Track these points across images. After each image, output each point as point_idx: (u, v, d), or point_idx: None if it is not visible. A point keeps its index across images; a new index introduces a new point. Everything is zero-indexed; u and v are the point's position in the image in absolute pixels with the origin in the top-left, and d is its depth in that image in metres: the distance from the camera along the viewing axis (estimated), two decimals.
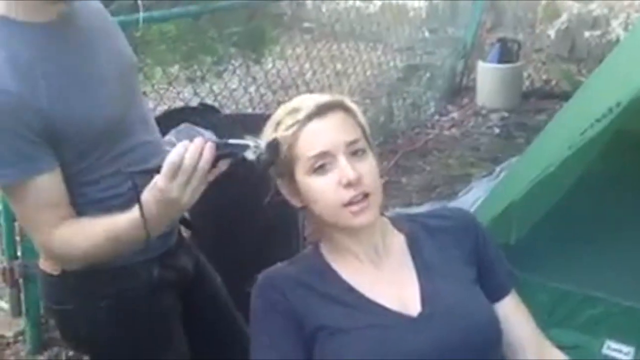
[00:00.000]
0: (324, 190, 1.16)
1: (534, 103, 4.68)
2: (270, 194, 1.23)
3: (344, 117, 1.19)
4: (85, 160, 1.31)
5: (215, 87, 3.31)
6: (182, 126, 2.15)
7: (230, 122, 2.23)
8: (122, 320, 1.42)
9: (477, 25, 4.88)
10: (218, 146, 1.16)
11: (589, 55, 4.81)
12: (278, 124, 1.21)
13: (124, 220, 1.24)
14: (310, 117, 1.17)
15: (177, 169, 1.15)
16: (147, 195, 1.19)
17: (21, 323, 2.46)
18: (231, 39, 3.25)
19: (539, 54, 5.05)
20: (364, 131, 1.21)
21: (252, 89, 3.51)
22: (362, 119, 1.23)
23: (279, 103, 1.32)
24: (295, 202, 1.22)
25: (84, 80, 1.30)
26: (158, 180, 1.16)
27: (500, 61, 4.57)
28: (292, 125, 1.17)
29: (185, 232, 1.63)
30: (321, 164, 1.16)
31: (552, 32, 5.03)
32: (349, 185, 1.14)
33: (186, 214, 1.59)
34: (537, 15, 5.10)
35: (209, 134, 2.21)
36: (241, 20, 3.33)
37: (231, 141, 1.18)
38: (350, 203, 1.15)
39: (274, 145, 1.17)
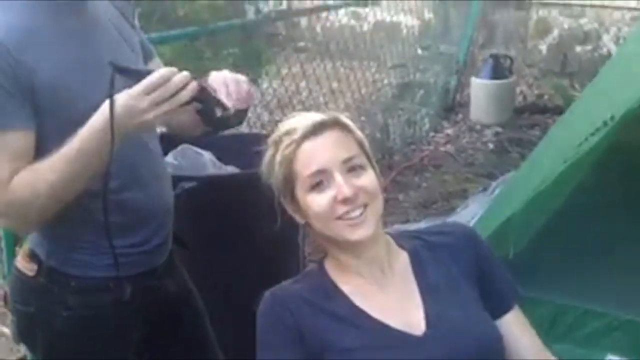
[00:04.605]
0: (321, 207, 1.18)
1: (527, 118, 4.72)
2: (279, 211, 1.25)
3: (339, 135, 1.21)
4: (66, 138, 1.29)
5: None
6: (181, 147, 2.17)
7: (227, 141, 2.24)
8: (81, 334, 1.41)
9: (469, 41, 4.93)
10: (201, 89, 1.23)
11: (580, 69, 4.85)
12: (277, 143, 1.23)
13: (86, 128, 1.23)
14: (306, 136, 1.19)
15: (157, 86, 1.19)
16: (118, 96, 1.21)
17: (22, 349, 2.45)
18: (228, 60, 3.28)
19: (531, 69, 5.09)
20: (361, 146, 1.23)
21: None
22: (359, 135, 1.24)
23: (276, 122, 1.36)
24: (298, 219, 1.24)
25: (80, 59, 1.32)
26: (135, 87, 1.20)
27: (493, 77, 4.61)
28: (290, 144, 1.20)
29: (178, 253, 1.62)
30: (318, 182, 1.18)
31: (543, 47, 5.08)
32: (345, 201, 1.16)
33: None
34: (528, 30, 5.15)
35: (208, 154, 2.24)
36: (237, 41, 3.36)
37: (214, 92, 1.27)
38: (346, 217, 1.17)
39: (242, 113, 1.29)
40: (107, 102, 1.21)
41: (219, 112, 1.25)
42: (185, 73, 1.22)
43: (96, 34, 1.38)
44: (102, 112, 1.22)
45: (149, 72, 1.21)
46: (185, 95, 1.21)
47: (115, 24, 1.45)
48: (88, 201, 1.31)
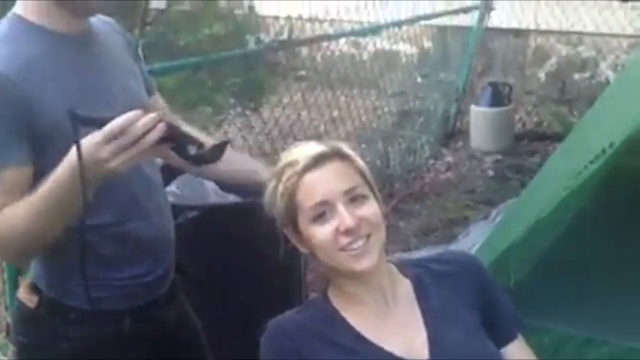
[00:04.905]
0: (324, 238, 1.19)
1: (527, 145, 4.74)
2: (283, 242, 1.26)
3: (341, 165, 1.22)
4: None
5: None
6: (184, 176, 2.18)
7: None
8: None
9: (468, 69, 4.97)
10: (170, 128, 1.19)
11: (579, 96, 4.88)
12: (279, 175, 1.24)
13: (59, 169, 1.19)
14: (307, 168, 1.20)
15: (118, 133, 1.14)
16: (82, 142, 1.16)
17: None
18: (230, 89, 3.31)
19: (530, 97, 5.13)
20: (363, 176, 1.24)
21: (250, 138, 3.56)
22: (361, 164, 1.25)
23: (277, 151, 1.36)
24: (302, 249, 1.25)
25: (81, 90, 1.31)
26: (95, 135, 1.15)
27: (492, 104, 4.64)
28: (291, 176, 1.21)
29: (179, 281, 1.62)
30: (321, 213, 1.19)
31: (542, 75, 5.13)
32: (347, 232, 1.17)
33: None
34: (527, 58, 5.20)
35: (211, 183, 2.25)
36: (239, 71, 3.40)
37: (185, 129, 1.23)
38: (349, 247, 1.17)
39: (218, 149, 1.24)
40: (73, 150, 1.17)
41: (193, 150, 1.23)
42: (151, 115, 1.16)
43: (101, 65, 1.39)
44: (69, 159, 1.18)
45: (111, 119, 1.17)
46: (152, 137, 1.16)
47: (120, 56, 1.48)
48: (78, 235, 1.30)
